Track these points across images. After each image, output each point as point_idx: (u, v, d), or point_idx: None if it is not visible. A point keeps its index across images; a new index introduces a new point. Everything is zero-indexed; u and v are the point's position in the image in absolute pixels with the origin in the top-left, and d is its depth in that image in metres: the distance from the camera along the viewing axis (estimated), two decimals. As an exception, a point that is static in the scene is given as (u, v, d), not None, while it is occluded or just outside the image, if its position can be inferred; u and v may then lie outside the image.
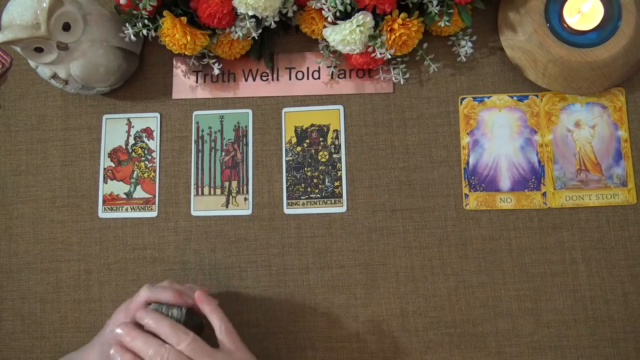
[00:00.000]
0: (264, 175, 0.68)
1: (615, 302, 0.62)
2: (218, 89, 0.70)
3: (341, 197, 0.67)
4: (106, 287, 0.68)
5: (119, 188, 0.69)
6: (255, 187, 0.68)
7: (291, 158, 0.68)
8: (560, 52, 0.61)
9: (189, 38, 0.61)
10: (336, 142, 0.68)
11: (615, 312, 0.62)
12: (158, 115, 0.70)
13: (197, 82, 0.70)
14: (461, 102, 0.67)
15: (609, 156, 0.64)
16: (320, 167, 0.67)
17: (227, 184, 0.68)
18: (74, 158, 0.71)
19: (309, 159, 0.68)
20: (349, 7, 0.60)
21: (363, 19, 0.60)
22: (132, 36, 0.63)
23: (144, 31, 0.63)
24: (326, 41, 0.64)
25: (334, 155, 0.67)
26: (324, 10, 0.61)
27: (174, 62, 0.71)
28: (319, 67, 0.69)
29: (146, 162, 0.69)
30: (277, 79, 0.69)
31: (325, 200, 0.67)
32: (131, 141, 0.70)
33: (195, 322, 0.55)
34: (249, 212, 0.67)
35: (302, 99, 0.69)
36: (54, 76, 0.64)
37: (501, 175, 0.65)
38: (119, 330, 0.52)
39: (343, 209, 0.66)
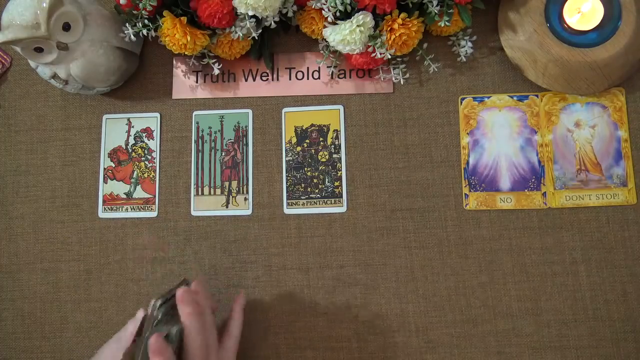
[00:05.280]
0: (264, 175, 0.68)
1: (615, 302, 0.62)
2: (218, 89, 0.70)
3: (341, 197, 0.67)
4: (106, 287, 0.68)
5: (119, 188, 0.69)
6: (255, 187, 0.68)
7: (291, 158, 0.68)
8: (560, 52, 0.61)
9: (189, 38, 0.61)
10: (336, 142, 0.68)
11: (615, 312, 0.62)
12: (158, 115, 0.70)
13: (197, 82, 0.70)
14: (461, 102, 0.67)
15: (609, 156, 0.64)
16: (320, 167, 0.67)
17: (227, 184, 0.68)
18: (74, 158, 0.71)
19: (309, 159, 0.68)
20: (349, 7, 0.60)
21: (363, 19, 0.60)
22: (132, 36, 0.63)
23: (144, 31, 0.63)
24: (326, 41, 0.64)
25: (334, 155, 0.67)
26: (324, 10, 0.61)
27: (174, 62, 0.71)
28: (319, 67, 0.69)
29: (146, 162, 0.69)
30: (277, 79, 0.69)
31: (325, 200, 0.67)
32: (131, 141, 0.70)
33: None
34: (249, 212, 0.67)
35: (302, 99, 0.69)
36: (54, 76, 0.64)
37: (501, 175, 0.65)
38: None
39: (343, 209, 0.66)
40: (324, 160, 0.67)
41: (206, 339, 0.52)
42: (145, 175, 0.69)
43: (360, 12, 0.60)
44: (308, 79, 0.69)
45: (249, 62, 0.70)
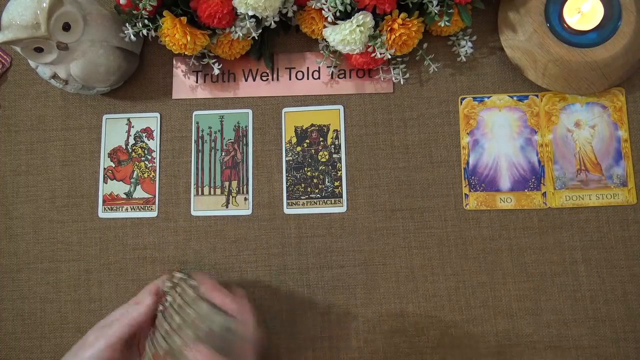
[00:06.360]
0: (264, 175, 0.68)
1: (615, 302, 0.62)
2: (218, 89, 0.70)
3: (341, 197, 0.67)
4: (106, 287, 0.68)
5: (119, 188, 0.69)
6: (255, 187, 0.68)
7: (291, 158, 0.68)
8: (560, 52, 0.61)
9: (189, 38, 0.61)
10: (336, 142, 0.68)
11: (615, 312, 0.62)
12: (158, 115, 0.70)
13: (197, 82, 0.70)
14: (461, 102, 0.67)
15: (609, 156, 0.64)
16: (320, 167, 0.67)
17: (227, 184, 0.68)
18: (74, 158, 0.71)
19: (309, 159, 0.68)
20: (349, 7, 0.60)
21: (363, 19, 0.60)
22: (132, 36, 0.63)
23: (144, 31, 0.63)
24: (326, 41, 0.64)
25: (334, 155, 0.67)
26: (324, 10, 0.61)
27: (174, 62, 0.71)
28: (319, 67, 0.69)
29: (146, 162, 0.69)
30: (277, 79, 0.69)
31: (325, 200, 0.67)
32: (131, 141, 0.70)
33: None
34: (249, 212, 0.67)
35: (302, 99, 0.69)
36: (54, 76, 0.64)
37: (501, 175, 0.65)
38: None
39: (343, 209, 0.66)
40: (324, 160, 0.67)
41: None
42: (145, 175, 0.69)
43: (360, 12, 0.60)
44: (308, 79, 0.69)
45: (249, 62, 0.70)
